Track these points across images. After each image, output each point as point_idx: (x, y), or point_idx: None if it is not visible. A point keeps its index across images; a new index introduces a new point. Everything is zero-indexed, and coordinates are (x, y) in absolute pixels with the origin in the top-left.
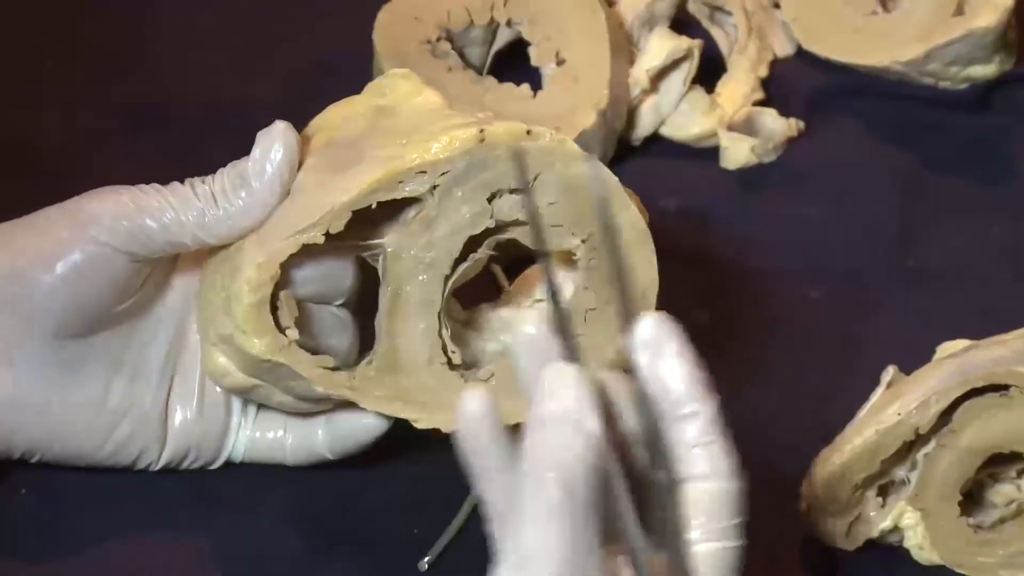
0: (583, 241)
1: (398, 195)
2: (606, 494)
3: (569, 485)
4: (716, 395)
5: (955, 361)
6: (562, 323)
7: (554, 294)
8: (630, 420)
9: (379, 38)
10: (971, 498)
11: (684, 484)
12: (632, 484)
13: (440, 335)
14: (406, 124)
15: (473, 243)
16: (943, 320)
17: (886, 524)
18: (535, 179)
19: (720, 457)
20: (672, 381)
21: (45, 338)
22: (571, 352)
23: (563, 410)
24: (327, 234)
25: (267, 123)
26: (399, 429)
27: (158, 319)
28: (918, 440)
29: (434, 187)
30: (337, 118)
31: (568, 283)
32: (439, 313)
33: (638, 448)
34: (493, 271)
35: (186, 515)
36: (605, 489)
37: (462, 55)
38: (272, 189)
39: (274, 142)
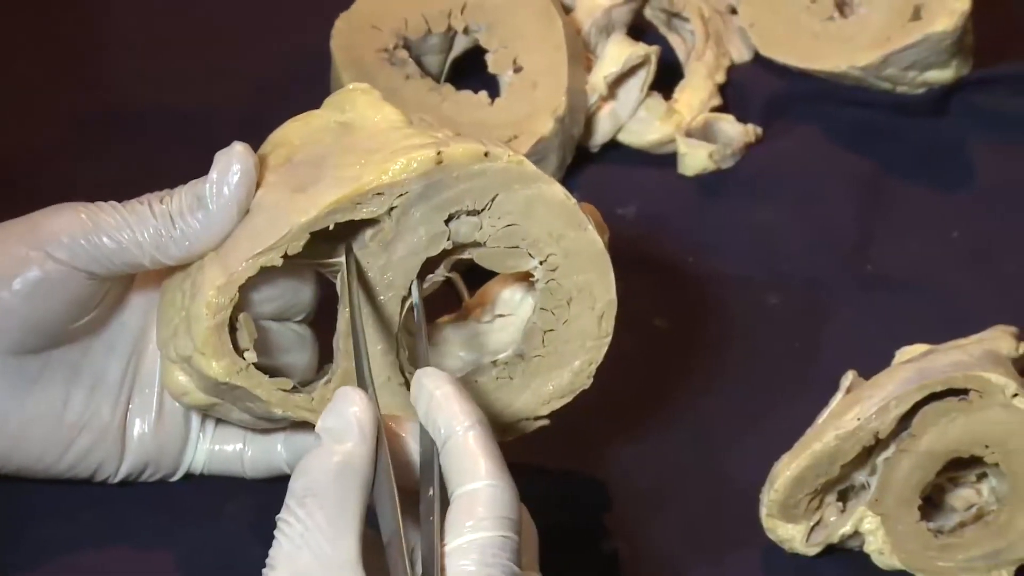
0: (541, 263)
1: (355, 216)
2: (358, 502)
3: (314, 488)
4: (478, 414)
5: (914, 366)
6: (358, 350)
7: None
8: (413, 451)
9: (336, 46)
10: (931, 502)
11: (455, 494)
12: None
13: (397, 356)
14: (365, 142)
15: (431, 263)
16: (901, 325)
17: (846, 529)
18: (493, 200)
19: (480, 462)
20: (434, 419)
21: (2, 353)
22: (363, 380)
23: (331, 425)
24: (285, 255)
25: (228, 134)
26: None
27: (117, 332)
28: (878, 445)
29: (391, 209)
30: (295, 134)
31: (527, 303)
32: (397, 334)
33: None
34: (453, 280)
35: (148, 527)
36: (356, 497)
37: (420, 63)
38: (229, 212)
39: (232, 164)
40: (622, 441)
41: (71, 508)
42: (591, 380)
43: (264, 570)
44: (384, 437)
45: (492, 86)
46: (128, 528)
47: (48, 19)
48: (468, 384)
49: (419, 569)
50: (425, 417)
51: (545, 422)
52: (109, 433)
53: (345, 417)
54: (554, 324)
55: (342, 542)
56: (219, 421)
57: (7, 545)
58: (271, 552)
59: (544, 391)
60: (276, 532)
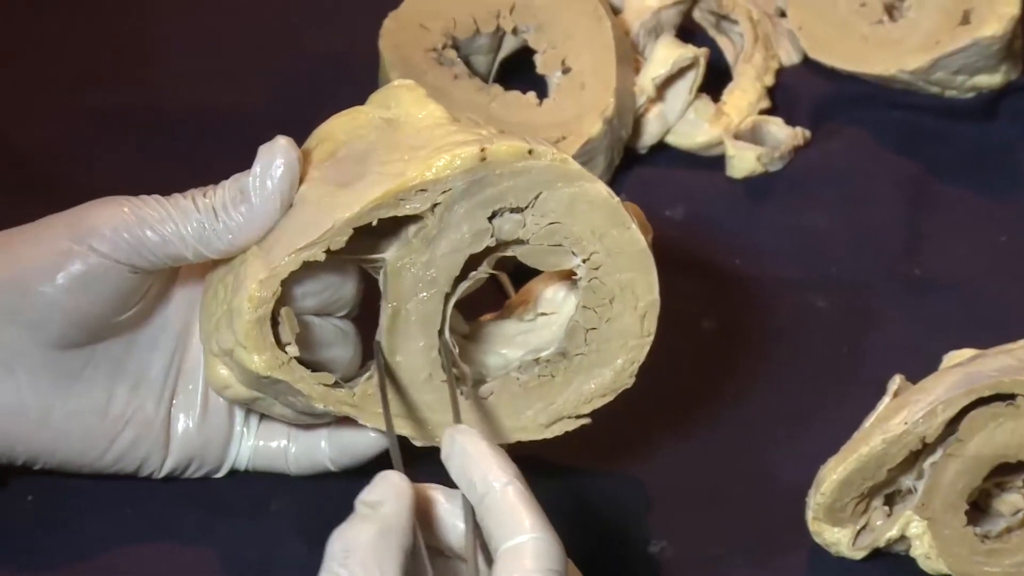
0: (584, 261)
1: (399, 212)
2: (399, 564)
3: (354, 549)
4: (514, 469)
5: (961, 370)
6: (392, 441)
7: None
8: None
9: (385, 46)
10: (977, 507)
11: (500, 550)
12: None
13: (440, 352)
14: (409, 139)
15: (474, 260)
16: (949, 329)
17: (892, 533)
18: (537, 197)
19: (523, 516)
20: (470, 476)
21: (46, 347)
22: (397, 463)
23: (369, 500)
24: (328, 250)
25: (271, 131)
26: (402, 438)
27: (160, 328)
28: (924, 449)
29: (435, 205)
30: (340, 129)
31: (570, 301)
32: (439, 331)
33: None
34: (499, 279)
35: (191, 523)
36: (396, 558)
37: (468, 63)
38: (272, 205)
39: (275, 158)
40: (669, 442)
41: (115, 504)
42: (633, 379)
43: None
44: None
45: (540, 87)
46: (172, 524)
47: (93, 17)
48: (508, 381)
49: None
50: (460, 474)
51: (587, 420)
52: (153, 428)
53: (384, 491)
54: (596, 323)
55: None
56: (263, 417)
57: (52, 540)
58: None
59: (586, 389)
60: None
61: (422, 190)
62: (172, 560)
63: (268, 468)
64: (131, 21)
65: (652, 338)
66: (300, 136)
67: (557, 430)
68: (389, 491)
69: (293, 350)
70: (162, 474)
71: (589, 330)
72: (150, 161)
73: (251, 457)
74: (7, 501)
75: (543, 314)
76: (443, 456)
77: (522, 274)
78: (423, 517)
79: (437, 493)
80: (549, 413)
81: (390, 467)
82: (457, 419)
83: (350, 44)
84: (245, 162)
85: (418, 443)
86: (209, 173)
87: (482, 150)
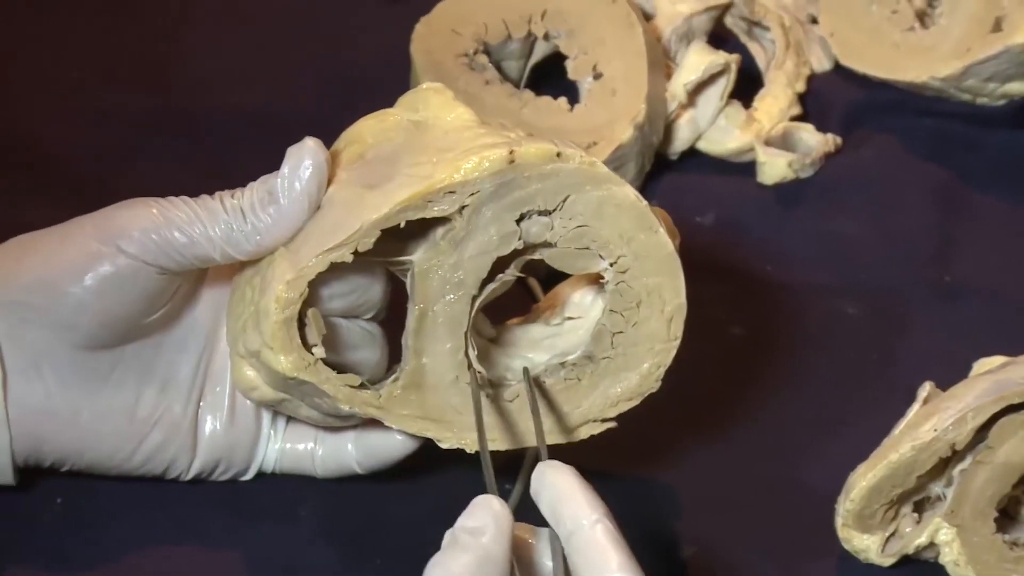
0: (611, 264)
1: (427, 214)
2: None
3: None
4: (604, 507)
5: (991, 377)
6: (485, 462)
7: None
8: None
9: (416, 51)
10: (1006, 514)
11: None
12: None
13: (467, 355)
14: (437, 141)
15: (501, 263)
16: (979, 336)
17: (922, 540)
18: (565, 200)
19: (610, 555)
20: (559, 512)
21: (74, 348)
22: (492, 488)
23: (470, 526)
24: (355, 252)
25: (301, 134)
26: (429, 441)
27: (188, 329)
28: (954, 456)
29: (463, 207)
30: (369, 132)
31: (597, 306)
32: (466, 333)
33: None
34: (528, 283)
35: (219, 525)
36: None
37: (499, 68)
38: (300, 207)
39: (303, 159)
40: (697, 448)
41: (144, 506)
42: (659, 383)
43: None
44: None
45: (572, 92)
46: (200, 527)
47: (125, 21)
48: (538, 384)
49: None
50: (550, 511)
51: (612, 424)
52: (181, 430)
53: (483, 518)
54: (623, 326)
55: None
56: (290, 419)
57: (80, 542)
58: None
59: (612, 393)
60: None
61: (450, 192)
62: (200, 563)
63: (295, 470)
64: (163, 24)
65: (679, 342)
66: (330, 139)
67: (583, 433)
68: (489, 519)
69: (320, 351)
70: (189, 476)
71: (616, 334)
72: (180, 163)
73: (278, 459)
74: (36, 503)
75: (570, 318)
76: (533, 491)
77: (551, 278)
78: (513, 550)
79: (525, 528)
80: (574, 417)
81: (419, 464)
82: (546, 455)
83: (382, 49)
84: (275, 165)
85: (444, 445)
86: (239, 175)
87: (510, 152)
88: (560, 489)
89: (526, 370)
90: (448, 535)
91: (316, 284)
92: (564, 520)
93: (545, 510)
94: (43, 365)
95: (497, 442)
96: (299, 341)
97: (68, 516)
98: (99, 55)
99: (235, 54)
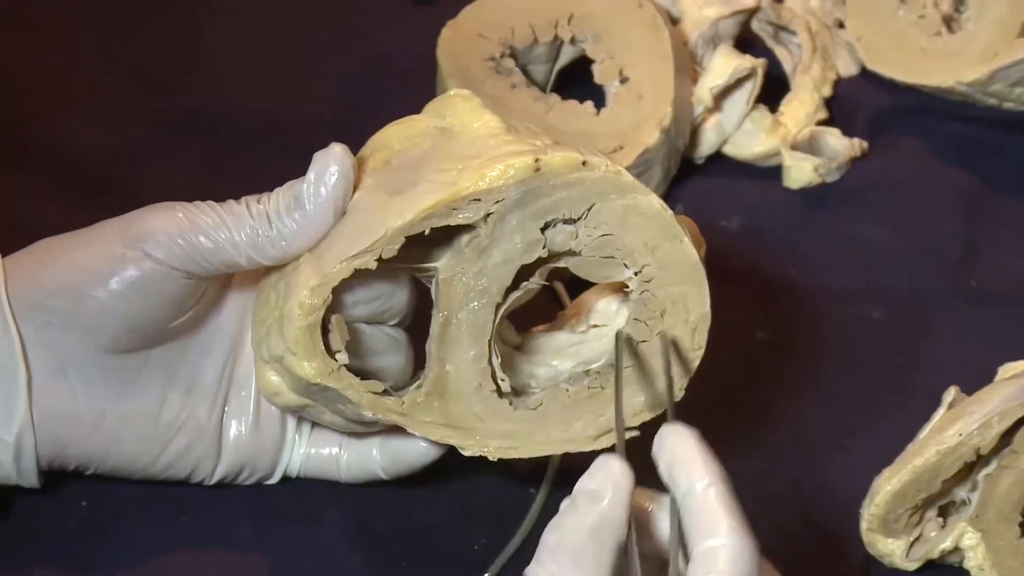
0: (636, 273)
1: (452, 222)
2: (611, 560)
3: (570, 543)
4: (719, 471)
5: (1017, 382)
6: (618, 428)
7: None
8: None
9: (443, 54)
10: None
11: (695, 551)
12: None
13: (490, 362)
14: (464, 148)
15: (526, 270)
16: (1005, 341)
17: (946, 545)
18: (590, 209)
19: (721, 518)
20: (675, 475)
21: (99, 352)
22: (621, 449)
23: (591, 488)
24: (380, 259)
25: (327, 139)
26: (452, 447)
27: (213, 334)
28: (979, 461)
29: (488, 215)
30: (395, 138)
31: (622, 314)
32: (489, 340)
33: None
34: (555, 288)
35: (244, 530)
36: (609, 555)
37: (526, 72)
38: (326, 213)
39: (330, 165)
40: (722, 452)
41: (170, 511)
42: (683, 392)
43: None
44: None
45: (598, 96)
46: (226, 532)
47: (149, 23)
48: (558, 392)
49: None
50: (666, 473)
51: (636, 433)
52: (205, 434)
53: (603, 480)
54: (647, 336)
55: None
56: (315, 424)
57: (105, 546)
58: None
59: (635, 402)
60: None
61: (475, 200)
62: (225, 567)
63: (320, 475)
64: (190, 27)
65: (702, 352)
66: (356, 144)
67: (606, 442)
68: (609, 481)
69: (343, 357)
70: (213, 480)
71: (640, 343)
72: (203, 166)
73: (303, 464)
74: (61, 507)
75: (595, 326)
76: (653, 453)
77: (576, 285)
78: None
79: (646, 493)
80: (598, 425)
81: (444, 469)
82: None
83: (408, 52)
84: (298, 168)
85: (467, 453)
86: (262, 178)
87: (536, 160)
88: (678, 452)
89: (619, 333)
90: (568, 498)
91: (340, 290)
92: (679, 483)
93: (663, 472)
94: (68, 369)
95: (521, 450)
96: (323, 347)
97: (92, 520)
98: (121, 57)
99: (259, 57)
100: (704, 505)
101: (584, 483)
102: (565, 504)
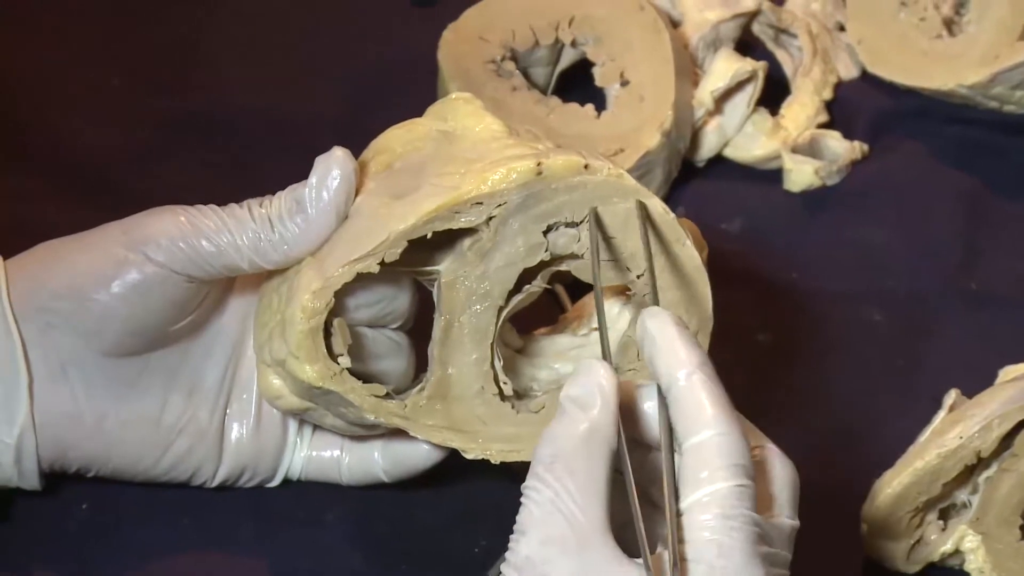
0: (638, 276)
1: (454, 225)
2: (605, 467)
3: (562, 454)
4: (700, 356)
5: (1017, 385)
6: (601, 329)
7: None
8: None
9: (444, 57)
10: None
11: (684, 446)
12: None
13: (492, 365)
14: (466, 152)
15: (528, 274)
16: (1005, 344)
17: (947, 548)
18: (592, 212)
19: (705, 409)
20: (656, 365)
21: (101, 355)
22: (605, 352)
23: (576, 394)
24: (382, 262)
25: (329, 142)
26: (455, 450)
27: (215, 337)
28: (980, 464)
29: (490, 218)
30: (397, 141)
31: (624, 317)
32: (492, 344)
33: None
34: (556, 291)
35: (245, 532)
36: (603, 462)
37: (527, 75)
38: (327, 216)
39: (332, 169)
40: None
41: (171, 513)
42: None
43: (513, 536)
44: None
45: (599, 99)
46: (227, 534)
47: (152, 25)
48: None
49: (663, 531)
50: (649, 361)
51: None
52: (207, 437)
53: (589, 386)
54: None
55: (592, 507)
56: (316, 427)
57: (103, 549)
58: (519, 519)
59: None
60: (524, 499)
61: (478, 203)
62: (226, 570)
63: (321, 478)
64: (191, 28)
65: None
66: (358, 146)
67: None
68: (595, 388)
69: (345, 361)
70: (215, 483)
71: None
72: (205, 167)
73: (304, 467)
74: (62, 509)
75: (596, 329)
76: (637, 338)
77: (578, 288)
78: (621, 407)
79: (633, 384)
80: None
81: (445, 471)
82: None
83: (409, 55)
84: (300, 170)
85: (469, 456)
86: (264, 180)
87: (538, 164)
88: (658, 340)
89: (592, 211)
90: (559, 405)
91: (342, 293)
92: (661, 373)
93: (646, 360)
94: (69, 371)
95: (523, 453)
96: (325, 350)
97: (93, 522)
98: (124, 58)
99: (261, 58)
100: (688, 397)
101: (570, 390)
102: (558, 410)
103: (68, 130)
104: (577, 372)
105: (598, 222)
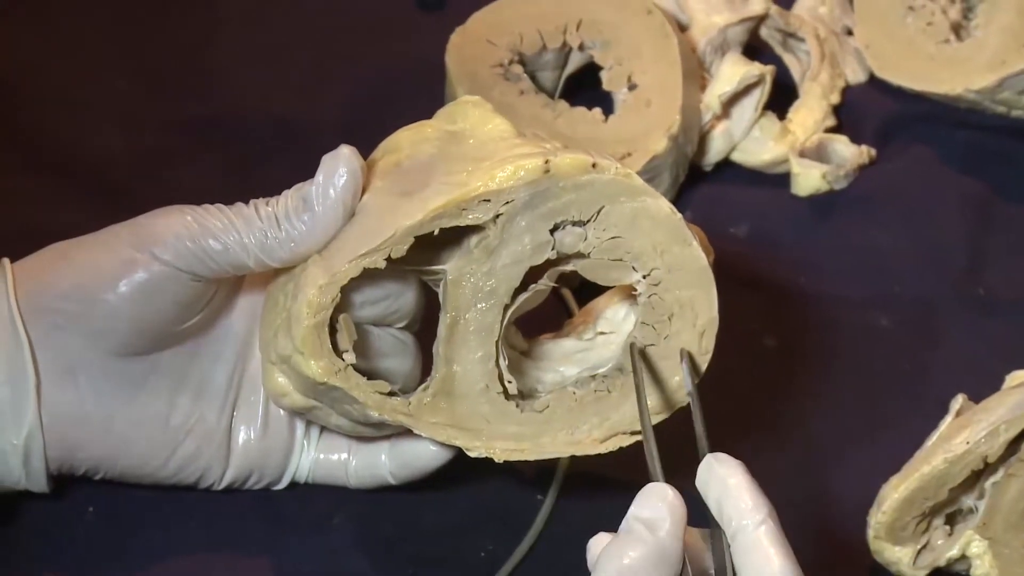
0: (644, 276)
1: (461, 222)
2: None
3: (629, 573)
4: (768, 506)
5: None
6: (648, 453)
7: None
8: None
9: (452, 60)
10: None
11: None
12: None
13: (497, 364)
14: (474, 151)
15: (535, 273)
16: (1012, 349)
17: (953, 552)
18: (599, 211)
19: (772, 559)
20: (725, 509)
21: (108, 355)
22: (655, 474)
23: (646, 515)
24: (389, 258)
25: (336, 144)
26: (461, 451)
27: (223, 338)
28: (986, 469)
29: (497, 216)
30: (406, 141)
31: (629, 321)
32: (497, 342)
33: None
34: (563, 295)
35: (254, 536)
36: None
37: (534, 79)
38: (335, 214)
39: (338, 166)
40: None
41: (178, 516)
42: (690, 398)
43: None
44: None
45: (606, 103)
46: (234, 537)
47: (160, 29)
48: (564, 395)
49: None
50: (716, 507)
51: (641, 437)
52: (214, 439)
53: (659, 509)
54: (655, 339)
55: None
56: (324, 430)
57: (111, 551)
58: None
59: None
60: None
61: (485, 200)
62: (233, 573)
63: (328, 481)
64: (201, 33)
65: (710, 356)
66: (366, 149)
67: (611, 445)
68: (663, 510)
69: (350, 357)
70: (222, 485)
71: (647, 346)
72: (214, 170)
73: (311, 470)
74: (68, 512)
75: (602, 333)
76: (699, 483)
77: (585, 293)
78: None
79: (689, 529)
80: (604, 428)
81: (451, 474)
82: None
83: (417, 58)
84: (308, 173)
85: (472, 454)
86: (272, 183)
87: (546, 162)
88: (728, 485)
89: (632, 345)
90: (623, 523)
91: (348, 290)
92: (730, 518)
93: (712, 505)
94: (77, 372)
95: (527, 452)
96: (330, 346)
97: (101, 525)
98: (132, 62)
99: (269, 63)
100: (755, 544)
101: (638, 510)
102: (621, 528)
103: (76, 134)
104: (644, 494)
105: (643, 357)
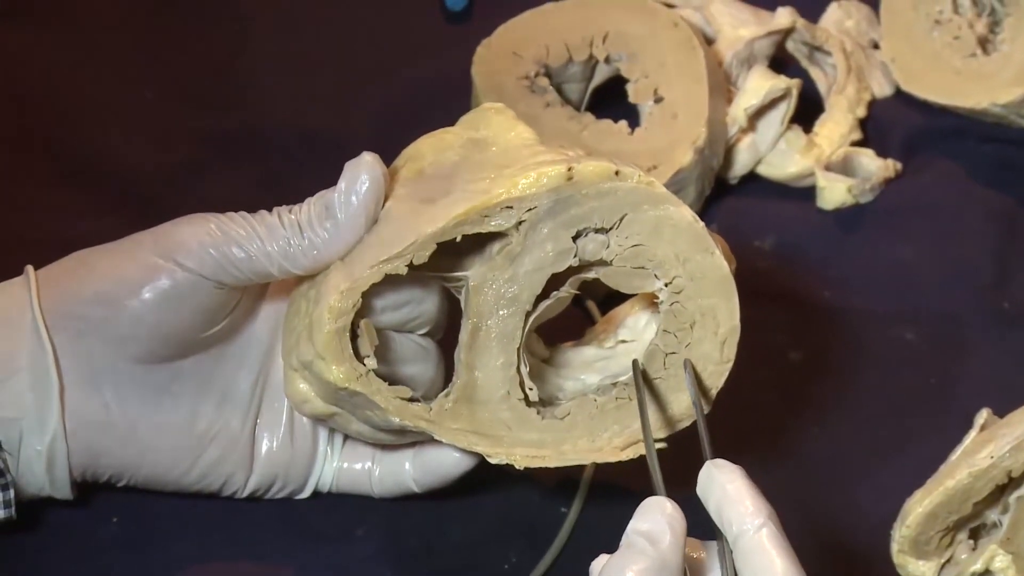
0: (666, 284)
1: (483, 229)
2: None
3: None
4: (769, 509)
5: None
6: (652, 469)
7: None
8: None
9: (478, 72)
10: None
11: None
12: None
13: (518, 371)
14: (496, 158)
15: (557, 280)
16: None
17: (977, 567)
18: (622, 219)
19: (775, 562)
20: (726, 515)
21: (132, 362)
22: (659, 487)
23: (645, 528)
24: (411, 265)
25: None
26: (485, 460)
27: (247, 345)
28: (1010, 483)
29: (520, 223)
30: (429, 149)
31: (651, 329)
32: (518, 348)
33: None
34: (587, 305)
35: (278, 547)
36: None
37: (560, 91)
38: (357, 221)
39: (360, 174)
40: (753, 472)
41: (202, 526)
42: (711, 406)
43: None
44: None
45: (632, 116)
46: (258, 548)
47: (188, 41)
48: (585, 402)
49: None
50: (716, 512)
51: (663, 445)
52: (238, 446)
53: (659, 522)
54: (676, 347)
55: None
56: (347, 438)
57: (134, 560)
58: None
59: (662, 414)
60: None
61: (507, 207)
62: None
63: (352, 490)
64: (230, 45)
65: (731, 364)
66: (390, 159)
67: (632, 453)
68: (663, 523)
69: (371, 362)
70: (245, 493)
71: (668, 354)
72: (241, 181)
73: (335, 478)
74: (92, 522)
75: (623, 341)
76: (699, 490)
77: (607, 301)
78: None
79: (690, 540)
80: (625, 436)
81: (474, 483)
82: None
83: (443, 70)
84: (334, 184)
85: (493, 460)
86: (299, 194)
87: (569, 169)
88: (727, 491)
89: (636, 362)
90: (624, 538)
91: (370, 296)
92: (730, 523)
93: (712, 511)
94: (101, 378)
95: (547, 459)
96: (351, 352)
97: (124, 534)
98: (160, 73)
99: (297, 74)
100: (757, 548)
101: (638, 524)
102: (622, 543)
103: (103, 145)
104: (644, 508)
105: (645, 378)
